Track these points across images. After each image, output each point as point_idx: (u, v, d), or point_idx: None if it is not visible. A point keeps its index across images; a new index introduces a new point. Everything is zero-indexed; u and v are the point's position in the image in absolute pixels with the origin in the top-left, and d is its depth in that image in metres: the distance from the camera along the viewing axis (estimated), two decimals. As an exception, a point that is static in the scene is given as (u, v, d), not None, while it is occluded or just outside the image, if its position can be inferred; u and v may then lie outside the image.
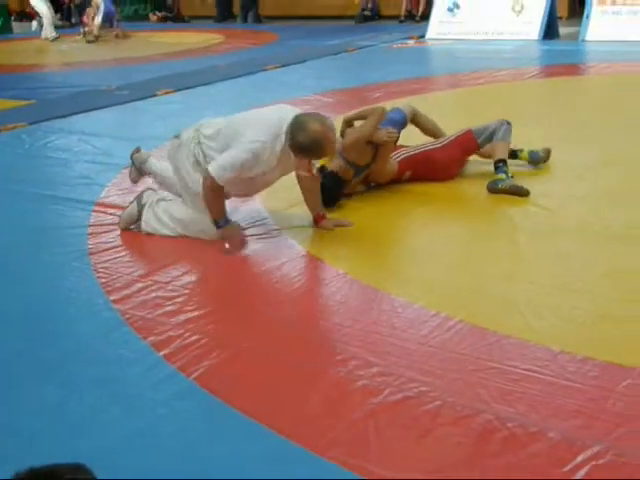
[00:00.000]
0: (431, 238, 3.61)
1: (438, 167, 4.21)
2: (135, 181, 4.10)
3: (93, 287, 3.15)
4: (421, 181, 4.21)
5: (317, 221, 3.59)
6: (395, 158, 4.15)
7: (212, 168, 3.28)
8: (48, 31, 14.48)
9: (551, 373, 2.34)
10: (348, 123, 4.21)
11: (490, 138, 4.21)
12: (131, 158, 4.00)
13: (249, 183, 3.45)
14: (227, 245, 3.42)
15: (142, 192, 3.71)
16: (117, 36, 14.25)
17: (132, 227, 3.72)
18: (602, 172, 4.39)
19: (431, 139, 4.41)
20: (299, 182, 3.60)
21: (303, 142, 3.23)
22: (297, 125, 3.26)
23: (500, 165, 4.07)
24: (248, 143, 3.27)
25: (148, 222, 3.62)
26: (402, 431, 2.11)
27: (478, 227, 3.66)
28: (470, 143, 4.26)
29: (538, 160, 4.40)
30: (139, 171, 3.99)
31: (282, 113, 3.37)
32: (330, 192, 3.81)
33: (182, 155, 3.47)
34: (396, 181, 4.17)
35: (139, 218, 3.64)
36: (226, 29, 15.33)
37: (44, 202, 4.36)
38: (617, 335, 2.58)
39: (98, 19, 14.13)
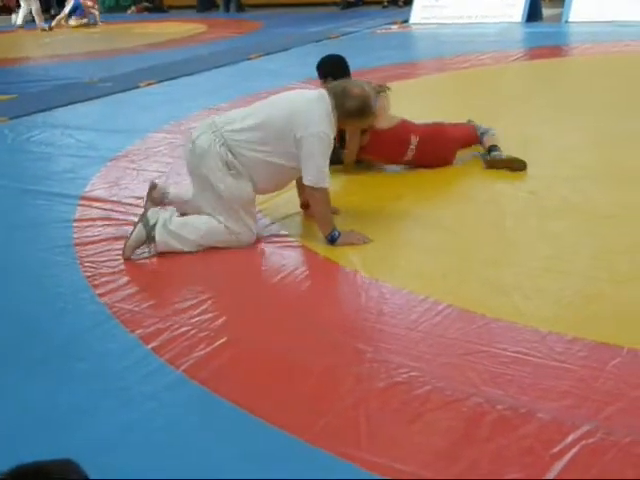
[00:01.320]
0: (419, 224, 3.61)
1: (447, 145, 4.23)
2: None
3: (79, 281, 3.13)
4: (419, 166, 4.20)
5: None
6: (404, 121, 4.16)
7: (314, 179, 3.20)
8: (38, 20, 14.53)
9: (540, 354, 2.34)
10: None
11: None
12: (148, 197, 3.55)
13: (286, 176, 3.40)
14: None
15: (144, 213, 3.35)
16: (87, 25, 14.36)
17: (140, 252, 3.34)
18: (586, 153, 4.40)
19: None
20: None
21: (354, 106, 3.26)
22: (341, 94, 3.26)
23: (494, 147, 4.19)
24: (320, 139, 3.19)
25: (166, 242, 3.28)
26: (393, 417, 2.11)
27: (465, 212, 3.65)
28: (473, 136, 4.33)
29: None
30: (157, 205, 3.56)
31: (318, 95, 3.31)
32: None
33: (208, 163, 3.24)
34: (403, 143, 4.11)
35: (148, 240, 3.30)
36: (209, 19, 15.23)
37: (28, 197, 4.33)
38: (605, 315, 2.59)
39: (65, 10, 14.27)
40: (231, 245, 3.30)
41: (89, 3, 15.18)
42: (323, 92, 3.32)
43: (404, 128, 4.14)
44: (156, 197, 3.53)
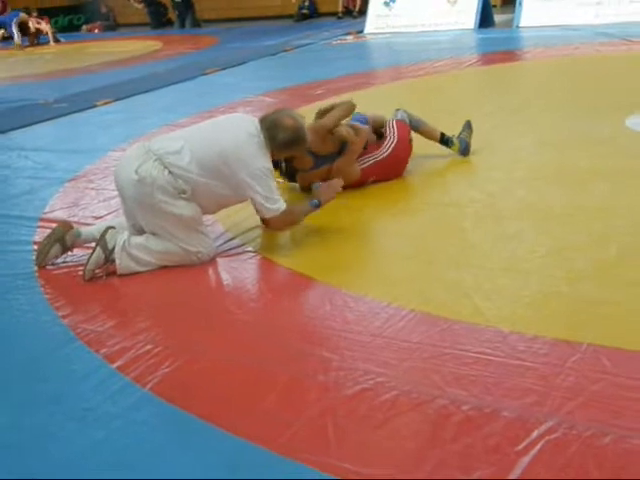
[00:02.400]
0: (379, 231, 3.65)
1: (403, 164, 4.25)
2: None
3: (40, 303, 3.09)
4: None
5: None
6: (360, 165, 4.09)
7: (272, 211, 3.27)
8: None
9: (502, 354, 2.38)
10: (322, 113, 4.15)
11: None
12: (60, 238, 3.40)
13: (232, 201, 3.42)
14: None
15: (102, 235, 3.27)
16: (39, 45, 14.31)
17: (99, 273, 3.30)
18: (540, 155, 4.49)
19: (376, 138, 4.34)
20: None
21: (286, 138, 3.29)
22: (271, 126, 3.28)
23: (445, 136, 4.45)
24: (259, 177, 3.22)
25: (127, 265, 3.27)
26: (360, 423, 2.13)
27: (424, 217, 3.70)
28: (405, 127, 4.29)
29: (467, 151, 4.51)
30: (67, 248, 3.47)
31: (249, 127, 3.30)
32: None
33: (159, 190, 3.17)
34: (359, 185, 4.11)
35: (107, 262, 3.27)
36: (164, 35, 15.22)
37: (-15, 221, 4.27)
38: (563, 312, 2.64)
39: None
40: (192, 263, 3.31)
41: (39, 24, 15.13)
42: (255, 125, 3.30)
43: (364, 177, 4.11)
44: (69, 242, 3.43)
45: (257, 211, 3.43)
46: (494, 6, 12.31)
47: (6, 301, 3.19)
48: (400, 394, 2.23)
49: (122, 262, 3.25)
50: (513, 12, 11.22)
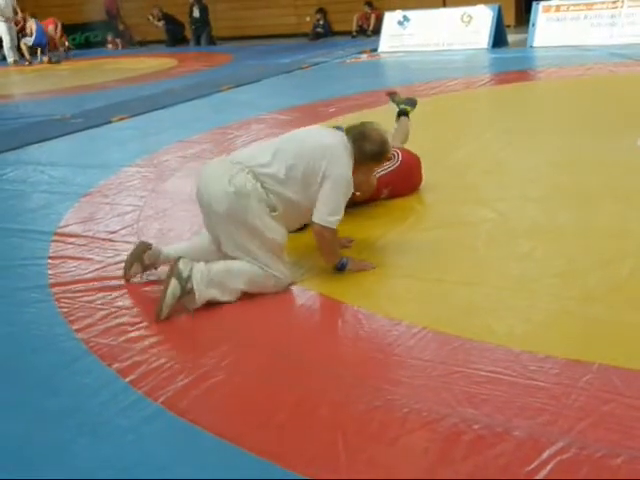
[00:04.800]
0: (391, 249, 3.65)
1: (416, 173, 4.30)
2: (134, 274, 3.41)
3: (54, 318, 3.11)
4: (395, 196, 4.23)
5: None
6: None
7: (328, 218, 3.14)
8: (9, 54, 14.59)
9: (513, 373, 2.38)
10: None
11: None
12: (138, 257, 3.35)
13: (306, 218, 3.31)
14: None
15: (174, 268, 3.01)
16: (50, 61, 14.34)
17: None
18: (552, 174, 4.49)
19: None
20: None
21: (373, 149, 3.28)
22: (359, 137, 3.27)
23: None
24: (346, 182, 3.16)
25: (207, 294, 3.05)
26: (371, 440, 2.13)
27: (436, 235, 3.71)
28: (405, 149, 4.38)
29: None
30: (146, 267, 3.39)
31: (340, 141, 3.25)
32: None
33: (253, 205, 3.05)
34: (373, 200, 4.13)
35: (184, 295, 3.02)
36: (179, 53, 15.36)
37: (1, 234, 4.32)
38: (575, 332, 2.64)
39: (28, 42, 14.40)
40: (267, 291, 3.15)
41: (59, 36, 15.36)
42: (344, 137, 3.28)
43: (377, 187, 4.11)
44: (149, 257, 3.33)
45: (314, 213, 3.20)
46: (508, 26, 12.37)
47: (20, 314, 3.22)
48: (411, 412, 2.23)
49: (202, 290, 3.03)
50: (527, 32, 11.28)
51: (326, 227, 3.17)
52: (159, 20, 17.39)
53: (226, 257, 3.18)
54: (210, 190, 3.13)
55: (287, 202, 3.15)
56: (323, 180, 3.14)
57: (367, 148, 3.27)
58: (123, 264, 3.44)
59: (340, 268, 3.29)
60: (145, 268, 3.38)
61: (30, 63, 14.92)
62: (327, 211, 3.16)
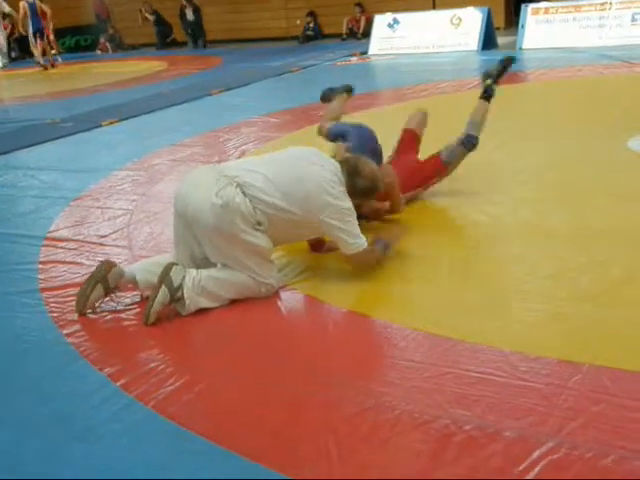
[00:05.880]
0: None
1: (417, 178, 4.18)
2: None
3: (45, 322, 3.11)
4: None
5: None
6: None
7: (355, 247, 3.18)
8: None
9: (504, 374, 2.39)
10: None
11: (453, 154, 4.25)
12: (100, 280, 3.12)
13: (298, 236, 3.36)
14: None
15: (165, 273, 3.00)
16: (45, 68, 14.08)
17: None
18: (543, 176, 4.51)
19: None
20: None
21: (364, 186, 3.25)
22: (352, 172, 3.23)
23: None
24: (344, 214, 3.15)
25: (197, 302, 3.05)
26: (362, 442, 2.13)
27: (427, 236, 3.72)
28: (440, 168, 4.21)
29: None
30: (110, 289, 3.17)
31: (332, 167, 3.24)
32: None
33: (239, 218, 3.01)
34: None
35: (172, 302, 3.03)
36: (169, 56, 15.36)
37: (-9, 239, 4.31)
38: (566, 333, 2.64)
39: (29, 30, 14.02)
40: (255, 296, 3.15)
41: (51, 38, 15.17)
42: (336, 166, 3.25)
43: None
44: (111, 280, 3.13)
45: (340, 247, 3.25)
46: (497, 28, 12.43)
47: (11, 319, 3.20)
48: (402, 413, 2.23)
49: (192, 298, 3.03)
50: (516, 34, 11.33)
51: (361, 252, 3.20)
52: (151, 14, 17.39)
53: (208, 265, 3.16)
54: (194, 201, 3.05)
55: (278, 221, 3.10)
56: (322, 220, 3.12)
57: (359, 184, 3.23)
58: (78, 290, 3.15)
59: (386, 249, 3.37)
60: (107, 292, 3.15)
61: (53, 65, 14.52)
62: (348, 244, 3.18)
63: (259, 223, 3.07)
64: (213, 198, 3.00)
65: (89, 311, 3.14)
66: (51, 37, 14.59)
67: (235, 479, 2.04)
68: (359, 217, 3.33)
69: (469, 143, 4.23)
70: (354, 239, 3.19)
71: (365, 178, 3.25)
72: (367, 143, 4.08)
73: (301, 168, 3.18)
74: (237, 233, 3.02)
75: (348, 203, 3.19)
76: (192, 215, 3.06)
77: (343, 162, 3.32)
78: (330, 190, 3.13)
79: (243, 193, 3.04)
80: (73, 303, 3.25)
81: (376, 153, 4.05)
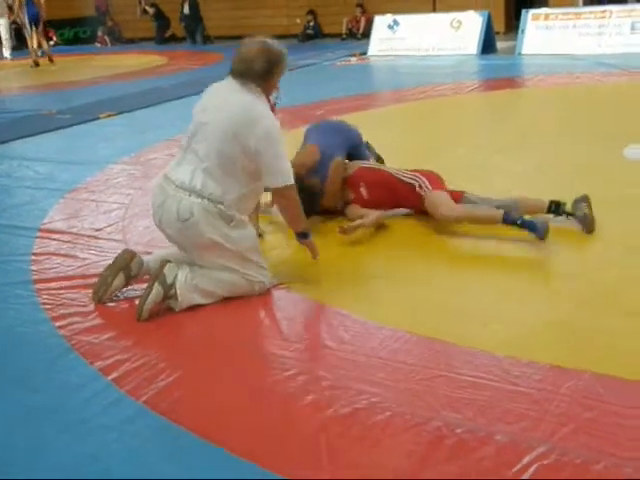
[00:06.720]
0: (377, 254, 3.65)
1: (395, 192, 3.98)
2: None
3: (37, 314, 3.09)
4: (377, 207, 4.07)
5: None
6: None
7: (284, 178, 3.00)
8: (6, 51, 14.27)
9: (497, 378, 2.39)
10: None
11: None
12: (123, 268, 3.13)
13: (260, 190, 3.21)
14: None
15: (160, 270, 3.01)
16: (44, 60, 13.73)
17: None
18: (538, 181, 4.51)
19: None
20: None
21: (265, 65, 3.06)
22: (243, 60, 3.06)
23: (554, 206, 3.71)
24: (271, 133, 2.97)
25: (190, 298, 3.03)
26: (354, 443, 2.13)
27: (422, 240, 3.71)
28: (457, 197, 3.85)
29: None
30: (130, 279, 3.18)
31: (231, 87, 3.08)
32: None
33: (208, 228, 2.98)
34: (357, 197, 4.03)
35: (165, 298, 3.01)
36: (170, 51, 15.32)
37: (-15, 230, 4.29)
38: (559, 339, 2.65)
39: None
40: (249, 294, 3.13)
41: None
42: (231, 82, 3.09)
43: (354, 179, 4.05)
44: (133, 268, 3.14)
45: (268, 183, 3.07)
46: (497, 33, 12.44)
47: (3, 310, 3.19)
48: (394, 415, 2.23)
49: (185, 295, 3.01)
50: (515, 39, 11.35)
51: (288, 186, 3.03)
52: (151, 6, 17.34)
53: None
54: (164, 224, 3.09)
55: (238, 200, 3.04)
56: (257, 151, 2.96)
57: (256, 67, 3.04)
58: (98, 278, 3.16)
59: (304, 236, 3.25)
60: (128, 280, 3.15)
61: (50, 59, 13.86)
62: (279, 174, 3.01)
63: (230, 219, 3.01)
64: (175, 221, 3.01)
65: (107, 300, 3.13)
66: (40, 28, 14.13)
67: (225, 477, 2.03)
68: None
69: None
70: (285, 171, 3.01)
71: (257, 59, 3.04)
72: (326, 129, 4.28)
73: (216, 121, 3.03)
74: (210, 240, 3.00)
75: (271, 118, 3.02)
76: (169, 238, 3.17)
77: (231, 72, 3.11)
78: (250, 117, 2.97)
79: (199, 197, 2.97)
80: (66, 295, 3.24)
81: (340, 130, 4.26)
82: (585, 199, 3.73)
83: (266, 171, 3.02)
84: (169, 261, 3.07)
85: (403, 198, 3.96)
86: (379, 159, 4.57)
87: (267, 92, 3.17)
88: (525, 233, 3.44)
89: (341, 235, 3.66)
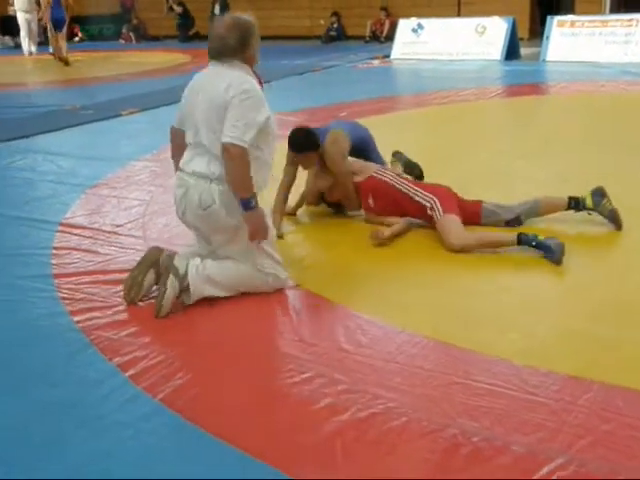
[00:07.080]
0: (397, 257, 3.64)
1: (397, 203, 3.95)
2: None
3: (57, 308, 3.11)
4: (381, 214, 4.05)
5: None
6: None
7: (234, 132, 2.89)
8: (25, 45, 14.26)
9: (514, 387, 2.37)
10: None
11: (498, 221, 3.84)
12: (153, 264, 3.11)
13: (267, 162, 3.12)
14: (251, 233, 3.06)
15: (169, 266, 3.01)
16: (60, 59, 13.58)
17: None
18: (561, 188, 4.46)
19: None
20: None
21: (239, 37, 3.05)
22: (216, 38, 3.05)
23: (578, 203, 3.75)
24: (247, 96, 2.94)
25: (202, 290, 3.05)
26: (369, 448, 2.12)
27: (442, 250, 3.68)
28: (474, 217, 3.84)
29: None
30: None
31: (217, 68, 3.08)
32: None
33: (227, 211, 3.01)
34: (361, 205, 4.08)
35: (181, 290, 3.02)
36: (193, 49, 15.36)
37: (7, 223, 4.33)
38: (578, 350, 2.62)
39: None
40: (263, 290, 3.14)
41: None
42: (215, 65, 3.10)
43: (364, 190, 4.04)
44: (162, 264, 3.08)
45: (223, 135, 2.95)
46: (521, 39, 12.37)
47: (23, 304, 3.21)
48: (410, 421, 2.22)
49: (197, 287, 3.02)
50: (540, 45, 11.28)
51: (236, 145, 2.90)
52: (179, 4, 17.43)
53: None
54: (188, 215, 3.12)
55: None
56: (231, 103, 2.94)
57: (230, 42, 3.03)
58: (128, 278, 3.12)
59: (246, 205, 2.97)
60: (159, 277, 3.08)
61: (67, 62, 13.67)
62: (236, 128, 2.91)
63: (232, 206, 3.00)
64: (198, 210, 3.05)
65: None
66: (63, 31, 14.04)
67: (239, 478, 2.03)
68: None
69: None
70: (245, 129, 2.90)
71: (233, 31, 3.05)
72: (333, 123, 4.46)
73: (210, 109, 3.02)
74: (233, 227, 3.04)
75: (250, 82, 3.02)
76: (190, 223, 3.18)
77: (209, 52, 3.13)
78: (236, 79, 2.98)
79: (210, 181, 3.00)
80: (86, 290, 3.26)
81: (348, 122, 4.46)
82: (603, 193, 3.75)
83: (227, 124, 2.93)
84: (176, 253, 3.09)
85: (411, 215, 3.95)
86: (413, 166, 4.52)
87: (249, 64, 3.14)
88: (544, 234, 3.42)
89: (374, 242, 3.67)
